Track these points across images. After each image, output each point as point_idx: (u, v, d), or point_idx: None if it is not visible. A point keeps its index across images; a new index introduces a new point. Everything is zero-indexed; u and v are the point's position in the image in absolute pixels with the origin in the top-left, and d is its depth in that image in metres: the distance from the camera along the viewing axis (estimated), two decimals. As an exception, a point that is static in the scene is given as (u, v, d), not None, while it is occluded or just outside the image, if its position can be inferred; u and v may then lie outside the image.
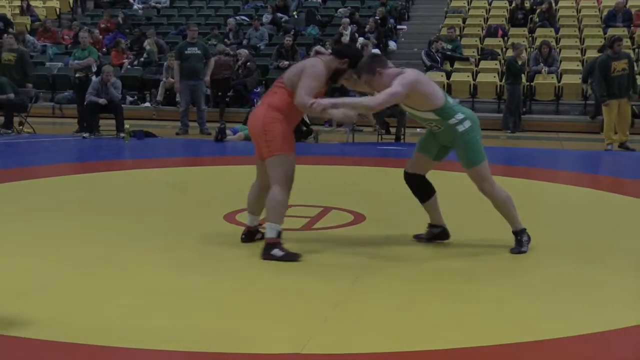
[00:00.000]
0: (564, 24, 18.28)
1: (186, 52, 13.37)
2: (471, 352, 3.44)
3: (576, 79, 15.62)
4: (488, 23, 18.76)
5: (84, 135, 12.53)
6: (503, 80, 15.11)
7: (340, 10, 19.69)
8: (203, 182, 8.45)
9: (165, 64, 16.25)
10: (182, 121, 13.50)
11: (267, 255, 4.89)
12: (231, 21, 18.63)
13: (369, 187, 7.94)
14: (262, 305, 4.05)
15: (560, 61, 16.37)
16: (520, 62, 14.22)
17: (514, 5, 18.94)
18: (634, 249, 5.44)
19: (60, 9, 22.25)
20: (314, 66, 4.97)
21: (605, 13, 18.34)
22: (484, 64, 16.57)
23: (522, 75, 14.65)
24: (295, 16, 19.84)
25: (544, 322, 3.83)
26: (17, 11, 21.48)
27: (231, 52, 16.09)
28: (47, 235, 5.57)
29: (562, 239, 5.74)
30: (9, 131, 13.00)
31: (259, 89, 15.87)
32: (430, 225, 5.46)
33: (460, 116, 5.05)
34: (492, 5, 19.87)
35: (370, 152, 11.40)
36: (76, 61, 13.21)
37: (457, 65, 16.62)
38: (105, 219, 6.17)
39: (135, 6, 21.46)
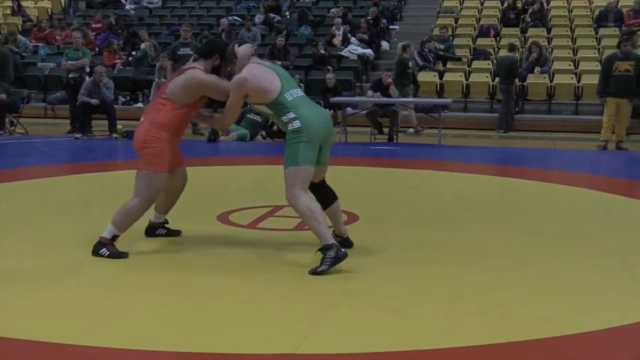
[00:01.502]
0: (556, 24, 18.34)
1: (179, 52, 13.36)
2: (462, 351, 3.44)
3: (568, 78, 15.68)
4: (480, 23, 18.81)
5: (77, 135, 12.51)
6: (496, 80, 15.12)
7: (332, 10, 19.70)
8: (195, 183, 8.40)
9: (157, 64, 16.22)
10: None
11: (95, 253, 4.95)
12: (224, 21, 18.62)
13: (362, 187, 7.94)
14: (255, 305, 4.05)
15: (553, 61, 16.42)
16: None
17: (506, 5, 19.00)
18: (626, 248, 5.46)
19: (52, 9, 22.20)
20: (196, 74, 4.99)
21: (596, 13, 18.41)
22: (476, 64, 16.61)
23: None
24: (288, 16, 19.85)
25: (536, 321, 3.84)
26: (9, 12, 21.42)
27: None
28: (38, 236, 5.56)
29: (555, 238, 5.75)
30: (1, 132, 12.97)
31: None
32: (334, 235, 5.06)
33: (291, 115, 4.81)
34: (484, 5, 19.92)
35: (363, 152, 11.41)
36: (70, 62, 13.18)
37: (449, 65, 16.66)
38: (98, 220, 6.15)
39: (127, 6, 21.43)
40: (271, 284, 4.47)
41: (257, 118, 12.56)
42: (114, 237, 4.99)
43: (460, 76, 16.21)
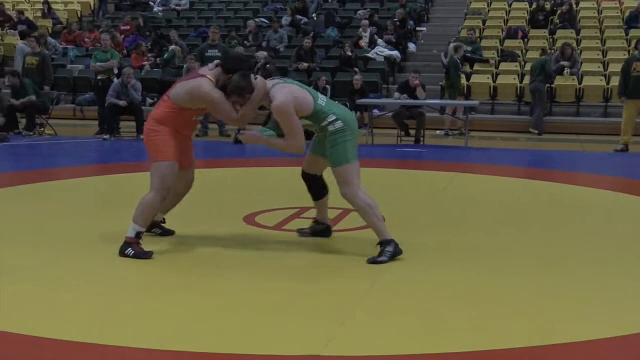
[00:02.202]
0: (585, 25, 18.17)
1: (207, 53, 13.43)
2: (489, 355, 3.43)
3: (597, 80, 15.52)
4: (508, 24, 18.67)
5: (105, 137, 12.62)
6: (524, 82, 14.99)
7: (359, 12, 19.67)
8: (222, 184, 8.48)
9: (184, 66, 16.32)
10: (201, 123, 13.55)
11: (122, 253, 5.00)
12: (251, 23, 18.69)
13: (389, 189, 7.92)
14: (281, 306, 4.06)
15: (581, 63, 16.26)
16: None
17: (534, 6, 18.84)
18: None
19: (81, 11, 22.42)
20: (204, 87, 4.94)
21: (627, 14, 18.20)
22: (503, 66, 16.49)
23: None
24: (314, 18, 19.86)
25: (563, 324, 3.81)
26: (39, 14, 21.68)
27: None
28: (67, 236, 5.61)
29: (583, 242, 5.70)
30: (31, 133, 13.13)
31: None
32: (316, 222, 5.59)
33: (331, 117, 5.00)
34: (512, 6, 19.78)
35: (390, 154, 11.38)
36: (98, 63, 13.31)
37: (476, 67, 16.56)
38: (125, 220, 6.20)
39: (155, 8, 21.57)
40: (297, 285, 4.48)
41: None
42: (138, 235, 5.04)
43: (488, 78, 16.11)
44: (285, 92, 4.94)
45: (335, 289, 4.39)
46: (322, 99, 5.08)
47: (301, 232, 5.68)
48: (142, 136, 12.08)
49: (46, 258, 4.98)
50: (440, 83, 15.25)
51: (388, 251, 4.93)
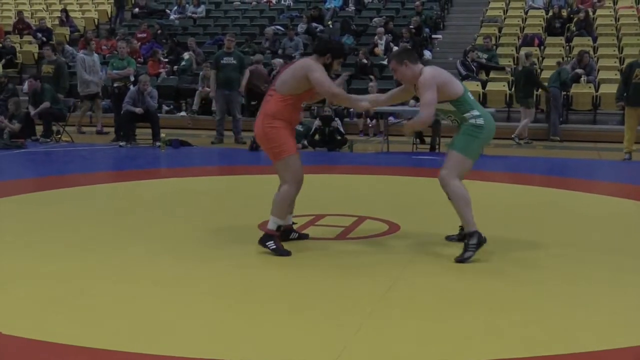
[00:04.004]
0: (602, 33, 18.08)
1: (222, 61, 13.48)
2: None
3: (614, 88, 15.41)
4: (524, 32, 18.62)
5: (121, 144, 12.68)
6: (539, 90, 14.93)
7: (375, 19, 19.68)
8: (238, 191, 8.49)
9: (201, 73, 16.40)
10: (217, 130, 13.60)
11: (262, 243, 5.28)
12: (267, 31, 18.74)
13: (404, 197, 7.91)
14: (296, 314, 4.05)
15: (598, 70, 16.18)
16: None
17: (550, 14, 18.77)
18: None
19: (98, 19, 22.58)
20: (309, 64, 5.27)
21: (644, 21, 18.11)
22: (520, 74, 16.42)
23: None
24: (330, 26, 19.88)
25: (583, 333, 3.77)
26: (57, 22, 21.85)
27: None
28: (84, 242, 5.63)
29: (601, 249, 5.66)
30: (48, 140, 13.22)
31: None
32: (461, 227, 5.56)
33: (476, 112, 5.21)
34: (529, 14, 19.72)
35: (405, 162, 11.36)
36: (115, 71, 13.39)
37: (492, 74, 16.52)
38: (141, 227, 6.23)
39: (172, 16, 21.68)
40: (312, 292, 4.47)
41: (299, 127, 12.59)
42: (279, 228, 5.32)
43: (504, 86, 16.07)
44: (436, 70, 5.23)
45: (350, 296, 4.37)
46: (470, 95, 5.30)
47: (449, 238, 5.72)
48: (159, 144, 12.18)
49: (62, 264, 4.99)
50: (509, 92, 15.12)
51: (472, 244, 5.06)
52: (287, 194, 5.31)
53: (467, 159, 5.22)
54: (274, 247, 5.23)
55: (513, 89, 15.86)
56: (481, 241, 5.11)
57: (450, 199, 5.27)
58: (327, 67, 5.32)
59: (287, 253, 5.22)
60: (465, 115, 5.21)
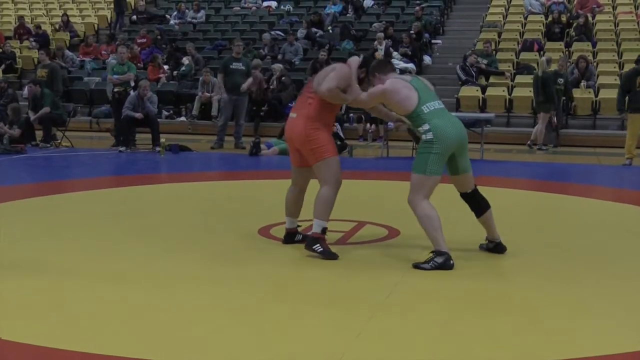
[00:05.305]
0: (601, 38, 18.09)
1: (231, 66, 13.52)
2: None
3: (614, 93, 15.42)
4: (524, 37, 18.63)
5: (121, 149, 12.68)
6: (540, 96, 14.93)
7: (374, 24, 19.69)
8: (237, 196, 8.49)
9: (200, 78, 16.41)
10: (218, 135, 13.61)
11: (309, 247, 5.30)
12: (266, 36, 18.76)
13: (404, 202, 7.88)
14: (296, 320, 4.05)
15: (598, 75, 16.20)
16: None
17: (550, 19, 18.79)
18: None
19: (98, 24, 22.60)
20: (343, 68, 5.47)
21: (643, 27, 18.13)
22: (519, 79, 16.45)
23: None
24: (330, 31, 19.89)
25: (579, 339, 3.77)
26: (57, 27, 21.87)
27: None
28: (83, 247, 5.63)
29: (601, 255, 5.66)
30: (48, 145, 13.22)
31: (293, 104, 15.90)
32: (488, 240, 5.58)
33: (426, 127, 5.15)
34: (528, 19, 19.73)
35: (405, 167, 11.31)
36: (115, 76, 13.40)
37: (492, 79, 16.53)
38: (141, 233, 6.23)
39: (172, 22, 21.71)
40: (312, 298, 4.47)
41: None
42: (324, 230, 5.33)
43: (503, 91, 16.07)
44: (392, 84, 5.26)
45: (351, 301, 4.37)
46: (429, 107, 5.19)
47: (481, 247, 5.68)
48: (159, 149, 12.20)
49: (62, 269, 4.99)
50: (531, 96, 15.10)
51: (435, 262, 4.99)
52: (329, 196, 5.35)
53: (428, 177, 5.15)
54: (321, 249, 5.25)
55: (512, 94, 15.88)
56: (447, 265, 4.99)
57: (418, 222, 5.22)
58: (361, 81, 5.46)
59: (335, 256, 5.24)
60: (418, 129, 5.21)
